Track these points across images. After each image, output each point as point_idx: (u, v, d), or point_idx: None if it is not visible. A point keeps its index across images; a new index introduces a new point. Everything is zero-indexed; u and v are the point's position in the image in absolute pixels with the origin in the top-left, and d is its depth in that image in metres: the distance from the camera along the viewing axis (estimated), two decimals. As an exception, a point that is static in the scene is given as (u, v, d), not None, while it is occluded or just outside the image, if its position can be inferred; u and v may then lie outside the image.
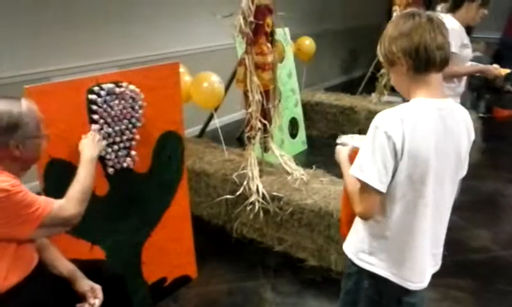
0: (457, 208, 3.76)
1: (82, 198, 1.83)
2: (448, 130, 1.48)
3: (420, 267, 1.59)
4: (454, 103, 1.55)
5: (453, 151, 1.51)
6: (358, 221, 1.67)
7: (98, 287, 1.88)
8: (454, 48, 3.09)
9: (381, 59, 1.57)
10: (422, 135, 1.43)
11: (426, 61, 1.46)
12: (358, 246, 1.65)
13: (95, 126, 2.22)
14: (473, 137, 1.58)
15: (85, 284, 1.87)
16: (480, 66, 3.35)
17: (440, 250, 1.66)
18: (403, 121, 1.42)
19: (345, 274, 1.77)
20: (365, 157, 1.46)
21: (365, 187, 1.46)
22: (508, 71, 3.32)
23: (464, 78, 3.35)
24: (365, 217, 1.53)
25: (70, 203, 1.77)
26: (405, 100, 1.58)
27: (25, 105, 1.68)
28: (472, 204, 3.94)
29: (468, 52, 3.23)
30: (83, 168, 1.95)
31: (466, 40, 3.16)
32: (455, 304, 2.75)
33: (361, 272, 1.65)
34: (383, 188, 1.45)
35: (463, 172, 1.62)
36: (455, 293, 2.83)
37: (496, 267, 3.12)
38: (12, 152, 1.65)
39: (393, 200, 1.50)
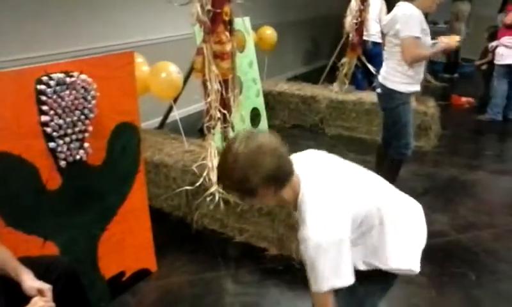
0: (416, 194, 3.88)
1: None
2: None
3: None
4: None
5: None
6: None
7: (47, 287, 1.77)
8: (416, 32, 3.14)
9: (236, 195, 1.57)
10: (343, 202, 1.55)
11: (285, 174, 1.47)
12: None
13: (44, 118, 2.14)
14: None
15: (32, 287, 1.76)
16: (441, 45, 3.36)
17: None
18: (336, 210, 1.50)
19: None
20: (335, 267, 1.46)
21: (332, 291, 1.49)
22: (457, 38, 3.42)
23: (423, 65, 3.41)
24: None
25: None
26: None
27: None
28: (429, 189, 4.04)
29: (428, 40, 3.28)
30: None
31: (425, 26, 3.22)
32: (413, 287, 2.79)
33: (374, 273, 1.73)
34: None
35: None
36: (413, 277, 2.87)
37: (452, 250, 3.19)
38: None
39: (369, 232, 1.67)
